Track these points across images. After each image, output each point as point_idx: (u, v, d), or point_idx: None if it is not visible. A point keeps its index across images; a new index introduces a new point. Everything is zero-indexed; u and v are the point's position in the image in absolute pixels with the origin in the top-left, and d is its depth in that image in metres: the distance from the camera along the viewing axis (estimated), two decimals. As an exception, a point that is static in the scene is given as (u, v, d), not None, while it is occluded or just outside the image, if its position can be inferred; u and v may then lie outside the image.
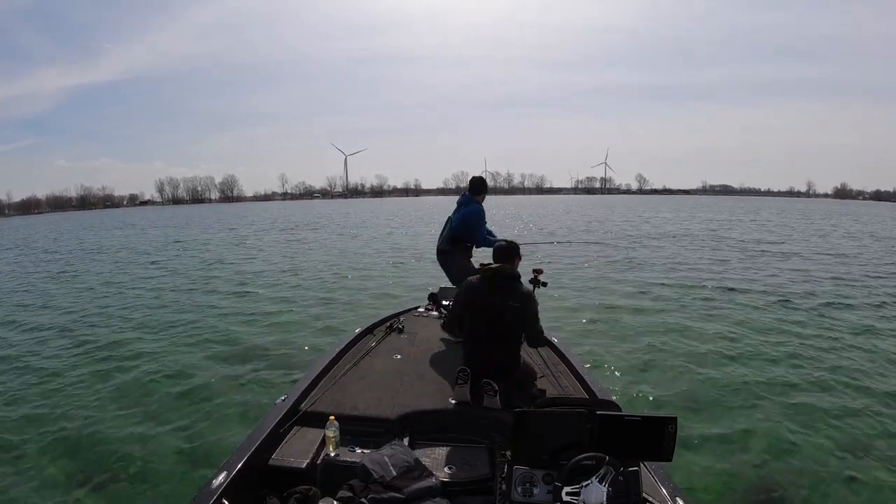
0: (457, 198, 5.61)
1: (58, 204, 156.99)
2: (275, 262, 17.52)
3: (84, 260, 20.11)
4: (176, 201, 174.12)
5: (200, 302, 11.35)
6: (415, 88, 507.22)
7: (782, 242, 21.98)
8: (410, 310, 5.91)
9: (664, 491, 2.43)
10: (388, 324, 5.34)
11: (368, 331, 5.16)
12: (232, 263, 17.68)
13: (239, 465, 2.54)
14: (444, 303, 5.86)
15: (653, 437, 2.09)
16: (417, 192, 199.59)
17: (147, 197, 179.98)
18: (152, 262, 18.41)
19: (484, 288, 3.55)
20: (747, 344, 7.58)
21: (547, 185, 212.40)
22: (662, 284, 12.50)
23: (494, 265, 3.59)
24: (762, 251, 18.99)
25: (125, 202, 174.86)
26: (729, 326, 8.55)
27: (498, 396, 3.32)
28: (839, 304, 10.25)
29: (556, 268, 14.10)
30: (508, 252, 3.65)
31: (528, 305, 3.52)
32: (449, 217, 5.54)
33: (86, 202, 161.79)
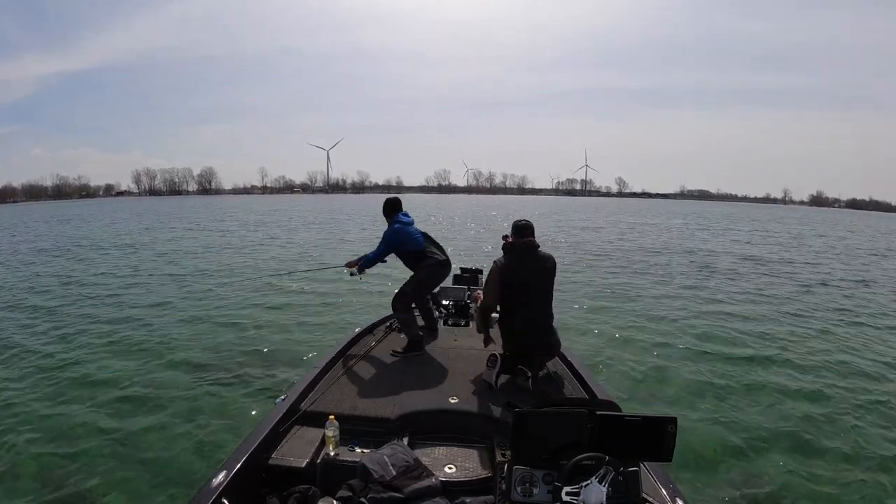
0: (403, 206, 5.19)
1: (33, 193, 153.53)
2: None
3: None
4: (153, 192, 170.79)
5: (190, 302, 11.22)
6: (399, 86, 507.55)
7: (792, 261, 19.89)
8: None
9: (664, 491, 2.45)
10: (388, 324, 5.36)
11: (368, 331, 5.17)
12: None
13: (239, 465, 2.54)
14: (444, 302, 5.92)
15: (653, 437, 2.09)
16: (399, 188, 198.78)
17: (124, 188, 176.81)
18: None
19: (521, 259, 3.96)
20: (748, 345, 7.76)
21: (528, 186, 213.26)
22: (662, 287, 12.73)
23: (525, 240, 3.98)
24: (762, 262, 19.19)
25: (101, 192, 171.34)
26: (731, 328, 8.75)
27: (530, 381, 3.77)
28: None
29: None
30: (532, 227, 4.08)
31: (553, 263, 4.07)
32: (418, 231, 5.08)
33: (61, 192, 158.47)
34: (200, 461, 4.46)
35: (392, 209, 5.08)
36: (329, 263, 6.27)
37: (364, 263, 5.07)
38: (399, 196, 5.33)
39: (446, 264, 5.08)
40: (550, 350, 4.07)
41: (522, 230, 4.01)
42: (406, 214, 5.10)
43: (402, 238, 4.93)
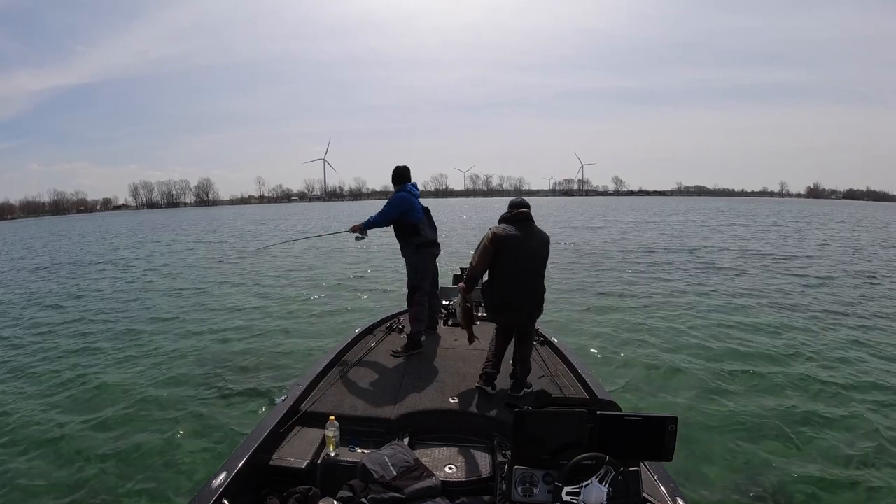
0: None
1: (31, 209, 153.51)
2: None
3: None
4: (150, 205, 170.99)
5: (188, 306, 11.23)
6: (395, 89, 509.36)
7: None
8: None
9: (664, 491, 2.45)
10: (388, 324, 5.38)
11: (368, 331, 5.18)
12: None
13: (239, 465, 2.54)
14: (444, 302, 5.91)
15: (653, 436, 2.09)
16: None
17: (121, 201, 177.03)
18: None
19: (522, 231, 3.83)
20: (749, 345, 7.70)
21: (525, 188, 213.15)
22: (664, 285, 12.72)
23: (525, 211, 3.90)
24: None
25: (99, 206, 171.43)
26: (735, 326, 8.72)
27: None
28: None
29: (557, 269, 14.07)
30: (528, 203, 4.00)
31: (548, 238, 3.97)
32: (421, 205, 5.08)
33: (59, 207, 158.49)
34: (200, 462, 4.48)
35: (401, 178, 5.05)
36: (335, 230, 6.33)
37: (366, 224, 5.03)
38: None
39: (434, 244, 5.11)
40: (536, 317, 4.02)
41: (519, 204, 3.95)
42: (414, 185, 5.09)
43: (406, 206, 4.91)
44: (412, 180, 5.10)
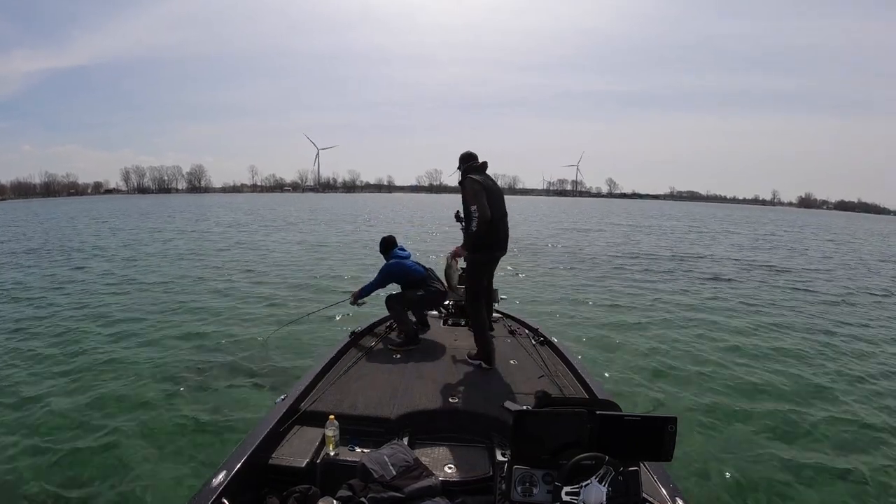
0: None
1: (22, 190, 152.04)
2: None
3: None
4: (142, 190, 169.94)
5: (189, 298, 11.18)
6: (391, 87, 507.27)
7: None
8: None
9: (664, 491, 2.46)
10: (387, 323, 5.37)
11: (368, 330, 5.18)
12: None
13: (239, 465, 2.54)
14: (444, 303, 5.91)
15: (653, 436, 2.08)
16: (390, 188, 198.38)
17: (112, 185, 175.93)
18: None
19: (485, 175, 4.44)
20: (749, 347, 7.79)
21: (519, 186, 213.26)
22: (663, 286, 12.83)
23: (485, 161, 4.53)
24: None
25: (90, 190, 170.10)
26: (732, 331, 8.80)
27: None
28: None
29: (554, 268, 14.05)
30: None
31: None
32: (415, 263, 5.29)
33: (50, 189, 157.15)
34: (199, 462, 4.46)
35: (388, 246, 5.33)
36: (333, 301, 6.51)
37: (359, 293, 5.24)
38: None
39: (446, 294, 5.26)
40: None
41: (472, 156, 4.54)
42: (402, 249, 5.35)
43: (398, 272, 5.14)
44: (398, 244, 5.37)
